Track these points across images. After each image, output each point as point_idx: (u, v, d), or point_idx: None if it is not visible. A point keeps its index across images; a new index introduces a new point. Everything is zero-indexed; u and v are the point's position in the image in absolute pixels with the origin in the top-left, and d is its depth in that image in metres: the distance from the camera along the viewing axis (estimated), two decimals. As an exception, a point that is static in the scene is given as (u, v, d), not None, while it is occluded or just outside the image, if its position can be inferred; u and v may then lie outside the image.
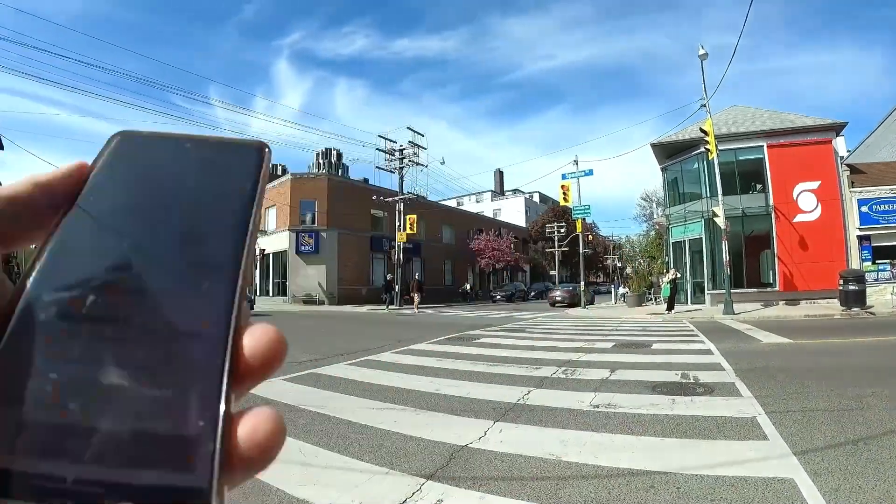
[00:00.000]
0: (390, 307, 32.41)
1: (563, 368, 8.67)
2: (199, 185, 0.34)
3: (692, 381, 7.42)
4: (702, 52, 22.70)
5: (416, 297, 31.49)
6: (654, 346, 11.66)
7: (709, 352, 10.49)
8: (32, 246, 0.32)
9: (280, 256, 40.45)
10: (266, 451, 0.27)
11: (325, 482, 3.92)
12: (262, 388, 7.02)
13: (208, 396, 0.26)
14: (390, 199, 37.70)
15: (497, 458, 4.43)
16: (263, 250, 39.71)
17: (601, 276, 78.71)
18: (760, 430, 5.03)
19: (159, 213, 0.33)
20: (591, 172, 32.00)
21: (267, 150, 0.36)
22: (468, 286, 47.93)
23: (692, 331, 15.22)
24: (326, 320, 22.80)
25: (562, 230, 49.29)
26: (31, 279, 0.29)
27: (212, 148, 0.36)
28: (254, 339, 0.29)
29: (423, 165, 39.29)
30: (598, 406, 6.06)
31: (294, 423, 5.47)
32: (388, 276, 35.20)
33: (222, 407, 0.26)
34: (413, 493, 3.69)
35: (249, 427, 0.26)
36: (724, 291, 21.81)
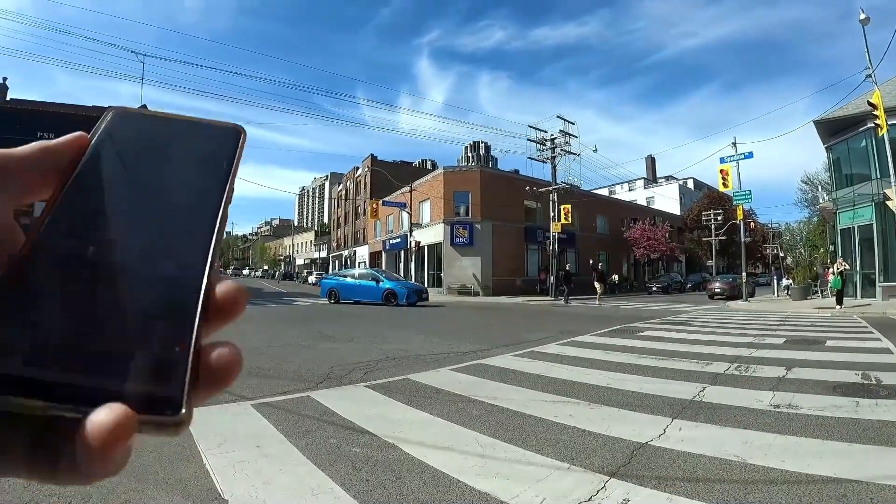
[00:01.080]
0: (569, 299, 30.69)
1: (736, 364, 8.21)
2: (181, 160, 0.40)
3: (874, 382, 6.83)
4: (862, 16, 20.21)
5: (599, 288, 29.20)
6: (828, 343, 10.87)
7: (888, 350, 9.70)
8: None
9: (435, 248, 41.50)
10: (226, 374, 0.33)
11: (505, 475, 3.85)
12: (434, 379, 7.26)
13: (184, 328, 0.32)
14: (543, 189, 37.33)
15: (680, 457, 4.19)
16: (419, 242, 40.88)
17: (759, 266, 73.21)
18: (956, 439, 4.49)
19: (147, 181, 0.38)
20: (751, 155, 30.00)
21: (243, 133, 0.42)
22: (615, 277, 46.09)
23: (866, 327, 14.14)
24: (484, 311, 23.01)
25: (718, 218, 46.19)
26: (43, 227, 0.35)
27: (194, 128, 0.42)
28: (223, 287, 0.36)
29: (574, 154, 38.63)
30: (778, 406, 5.66)
31: (467, 414, 5.48)
32: (568, 266, 33.73)
33: (194, 336, 0.32)
34: (598, 491, 3.54)
35: (216, 354, 0.33)
36: (898, 284, 19.37)
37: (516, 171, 47.43)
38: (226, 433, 4.66)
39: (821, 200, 39.29)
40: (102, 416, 0.28)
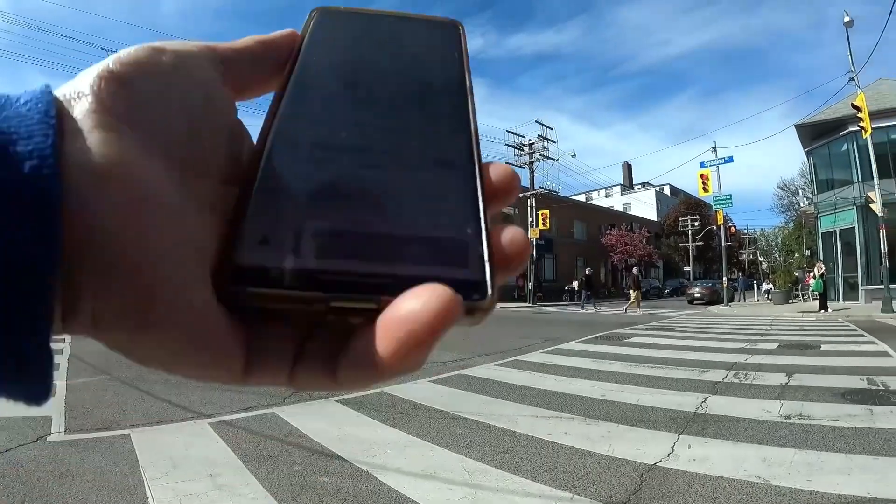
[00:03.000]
0: (588, 306, 29.23)
1: (734, 372, 7.79)
2: (408, 53, 0.37)
3: (882, 387, 6.52)
4: (847, 19, 20.51)
5: (634, 295, 26.24)
6: (823, 347, 10.63)
7: (886, 354, 9.52)
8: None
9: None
10: (521, 256, 0.30)
11: (498, 509, 3.30)
12: (411, 392, 6.63)
13: (471, 211, 0.29)
14: (521, 194, 36.95)
15: (696, 480, 3.71)
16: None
17: (735, 271, 74.40)
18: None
19: (380, 74, 0.35)
20: (731, 159, 30.45)
21: (462, 27, 0.38)
22: (576, 284, 38.08)
23: (855, 330, 13.97)
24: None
25: (695, 223, 46.41)
26: (277, 119, 0.31)
27: (411, 24, 0.38)
28: (495, 170, 0.32)
29: (553, 159, 38.45)
30: (789, 417, 5.24)
31: (451, 433, 4.91)
32: (589, 271, 32.16)
33: (483, 216, 0.29)
34: (609, 528, 3.02)
35: (509, 236, 0.29)
36: (881, 287, 19.62)
37: (492, 177, 47.06)
38: (176, 458, 4.08)
39: (802, 205, 39.69)
40: (423, 300, 0.24)
